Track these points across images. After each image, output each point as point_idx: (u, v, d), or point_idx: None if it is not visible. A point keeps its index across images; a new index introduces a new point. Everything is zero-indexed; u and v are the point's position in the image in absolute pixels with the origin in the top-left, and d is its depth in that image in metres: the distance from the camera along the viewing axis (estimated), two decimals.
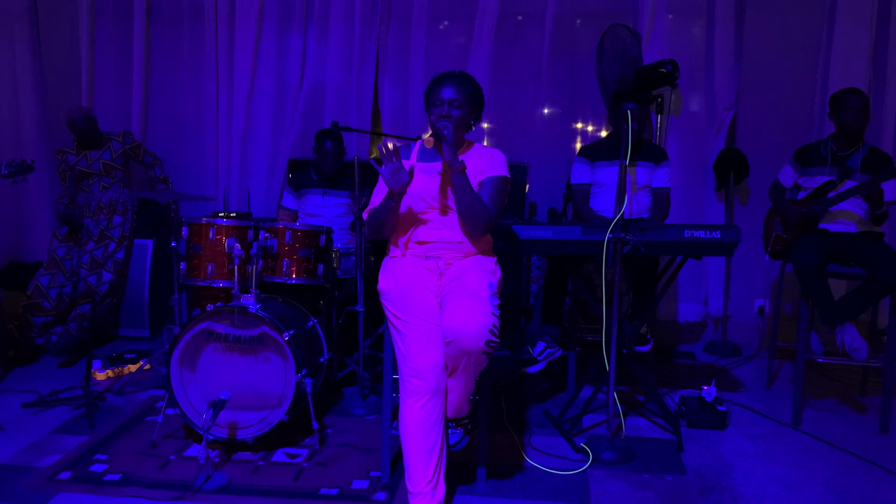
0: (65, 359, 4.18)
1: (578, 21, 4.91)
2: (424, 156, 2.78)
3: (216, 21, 5.01)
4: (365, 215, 2.77)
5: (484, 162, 2.74)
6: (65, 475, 2.82)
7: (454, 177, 2.59)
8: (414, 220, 2.70)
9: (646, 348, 3.70)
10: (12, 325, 4.30)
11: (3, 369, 4.02)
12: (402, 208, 2.71)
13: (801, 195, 3.78)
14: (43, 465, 2.91)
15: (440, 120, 2.64)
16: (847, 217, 3.61)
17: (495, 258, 2.77)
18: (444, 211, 2.68)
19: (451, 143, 2.58)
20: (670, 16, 4.79)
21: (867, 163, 3.58)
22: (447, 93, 2.67)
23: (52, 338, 4.25)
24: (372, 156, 5.18)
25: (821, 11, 4.62)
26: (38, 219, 5.26)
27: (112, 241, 4.40)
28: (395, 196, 2.59)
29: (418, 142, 2.87)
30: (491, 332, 2.40)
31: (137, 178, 4.95)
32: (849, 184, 3.56)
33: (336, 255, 3.64)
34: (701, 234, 2.95)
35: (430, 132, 2.76)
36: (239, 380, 2.98)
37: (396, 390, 2.61)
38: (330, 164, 4.07)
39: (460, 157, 2.66)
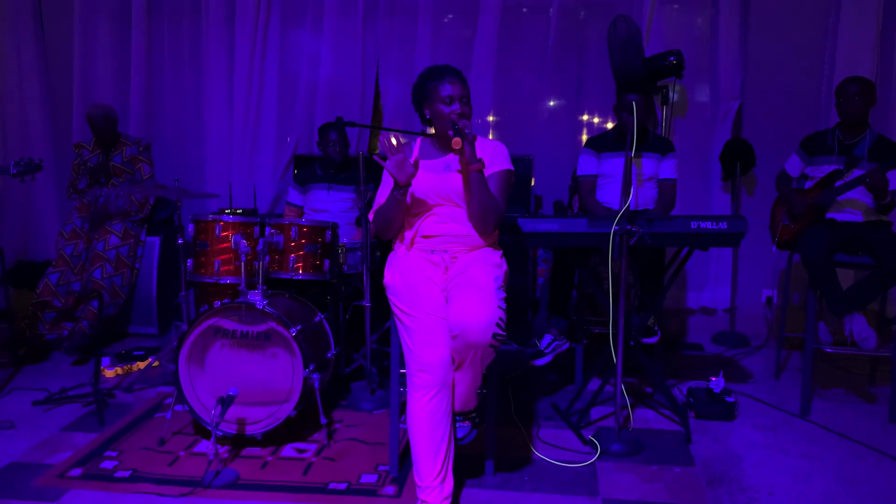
0: (78, 357, 4.20)
1: (583, 13, 4.89)
2: (427, 153, 2.78)
3: (209, 16, 5.00)
4: (371, 216, 2.76)
5: (488, 156, 2.73)
6: (75, 472, 2.84)
7: (472, 175, 2.57)
8: (419, 215, 2.70)
9: (653, 340, 3.69)
10: (22, 324, 4.32)
11: (14, 367, 4.04)
12: (408, 205, 2.71)
13: (808, 185, 3.77)
14: (54, 463, 2.93)
15: (461, 119, 2.61)
16: (854, 206, 3.59)
17: (501, 252, 2.77)
18: (449, 205, 2.68)
19: (472, 141, 2.57)
20: (675, 6, 4.77)
21: (875, 151, 3.56)
22: (456, 89, 2.65)
23: (64, 332, 4.27)
24: (374, 152, 5.18)
25: None
26: (44, 217, 5.29)
27: (114, 236, 4.40)
28: (401, 189, 2.58)
29: (419, 138, 2.86)
30: (497, 325, 2.40)
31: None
32: (856, 172, 3.54)
33: (342, 250, 3.64)
34: (707, 224, 2.94)
35: (432, 131, 2.75)
36: (247, 376, 2.99)
37: (404, 385, 2.62)
38: (337, 151, 4.09)
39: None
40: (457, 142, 2.53)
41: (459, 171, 2.65)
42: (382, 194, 2.75)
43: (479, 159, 2.58)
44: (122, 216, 4.48)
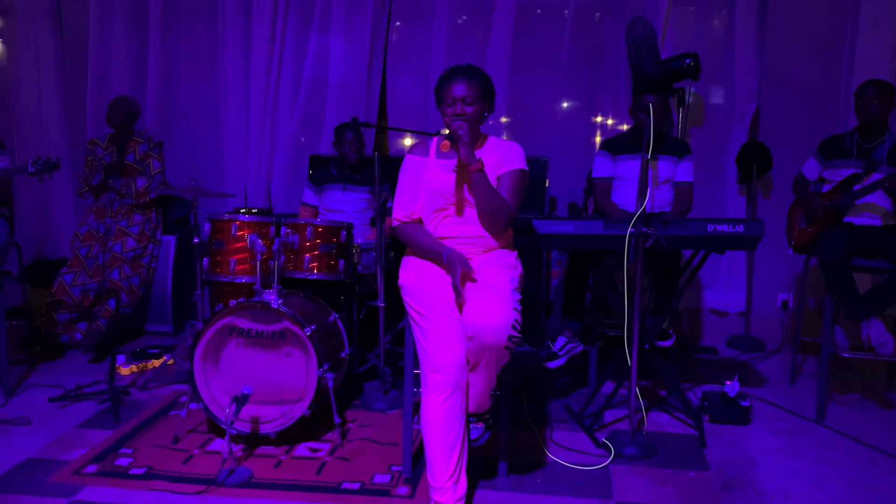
0: (94, 354, 4.23)
1: (598, 14, 4.87)
2: (443, 152, 2.77)
3: (226, 17, 5.02)
4: (395, 222, 2.75)
5: (502, 156, 2.73)
6: (91, 469, 2.86)
7: (473, 176, 2.58)
8: (434, 216, 2.70)
9: (668, 343, 3.68)
10: (38, 321, 4.35)
11: (30, 364, 4.08)
12: (423, 205, 2.71)
13: (826, 188, 3.74)
14: (69, 459, 2.95)
15: (454, 120, 2.62)
16: (872, 210, 3.56)
17: (516, 253, 2.77)
18: (463, 206, 2.67)
19: (468, 142, 2.56)
20: (691, 7, 4.75)
21: (894, 155, 3.53)
22: (459, 90, 2.65)
23: (77, 335, 4.29)
24: (385, 153, 5.19)
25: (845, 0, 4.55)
26: (60, 215, 5.33)
27: (131, 238, 4.42)
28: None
29: (435, 138, 2.86)
30: (513, 327, 2.39)
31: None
32: (875, 176, 3.51)
33: (357, 250, 3.65)
34: (724, 228, 2.92)
35: (447, 131, 2.75)
36: (261, 375, 3.00)
37: (418, 385, 2.62)
38: (353, 151, 4.09)
39: (477, 153, 2.66)
40: (444, 144, 2.55)
41: (454, 170, 2.66)
42: (399, 200, 2.74)
43: (479, 159, 2.58)
44: (118, 195, 4.48)
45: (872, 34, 4.45)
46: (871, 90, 3.56)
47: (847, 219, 3.58)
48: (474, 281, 2.52)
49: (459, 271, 2.49)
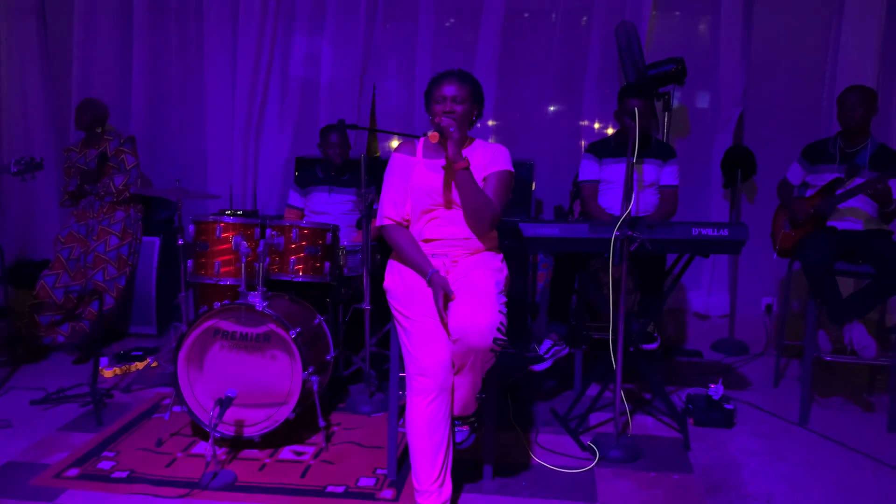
0: (78, 356, 4.19)
1: (585, 18, 4.88)
2: (430, 152, 2.77)
3: (212, 17, 4.99)
4: (384, 220, 2.74)
5: (488, 157, 2.74)
6: (72, 472, 2.83)
7: (459, 174, 2.58)
8: (420, 217, 2.70)
9: (653, 346, 3.69)
10: (20, 323, 4.31)
11: (12, 367, 4.03)
12: (409, 206, 2.71)
13: (810, 193, 3.77)
14: (51, 462, 2.92)
15: (444, 116, 2.64)
16: (855, 215, 3.59)
17: (501, 256, 2.77)
18: (449, 207, 2.68)
19: (456, 139, 2.57)
20: (676, 12, 4.78)
21: (876, 160, 3.56)
22: (449, 89, 2.67)
23: (59, 337, 4.26)
24: (374, 154, 5.19)
25: (830, 5, 4.59)
26: (44, 216, 5.28)
27: (114, 236, 4.39)
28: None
29: (422, 138, 2.86)
30: (498, 329, 2.40)
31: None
32: (857, 181, 3.54)
33: (342, 252, 3.64)
34: (709, 231, 2.94)
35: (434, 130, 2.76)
36: (246, 377, 2.99)
37: (403, 388, 2.61)
38: (337, 153, 4.08)
39: (464, 154, 2.66)
40: (433, 135, 2.56)
41: (443, 168, 2.66)
42: (388, 199, 2.74)
43: (465, 158, 2.59)
44: (97, 196, 4.45)
45: (856, 40, 4.48)
46: (852, 96, 3.59)
47: (830, 223, 3.61)
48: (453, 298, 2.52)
49: (441, 295, 2.49)
